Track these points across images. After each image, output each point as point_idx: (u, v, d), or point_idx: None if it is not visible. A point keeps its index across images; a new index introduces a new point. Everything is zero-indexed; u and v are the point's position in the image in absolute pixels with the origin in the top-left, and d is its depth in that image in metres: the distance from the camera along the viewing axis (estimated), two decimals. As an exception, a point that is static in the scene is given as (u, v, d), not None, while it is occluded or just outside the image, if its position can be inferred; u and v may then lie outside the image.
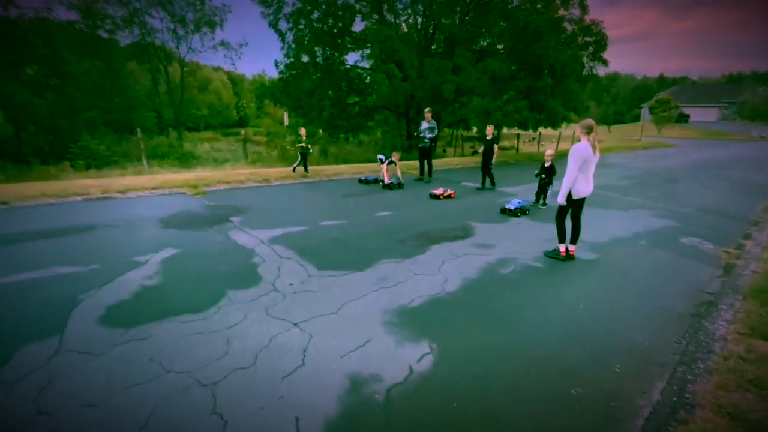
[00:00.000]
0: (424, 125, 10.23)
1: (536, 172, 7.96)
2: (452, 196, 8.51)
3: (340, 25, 19.84)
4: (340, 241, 5.35)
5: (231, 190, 8.64)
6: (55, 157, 14.93)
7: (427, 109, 10.44)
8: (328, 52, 20.27)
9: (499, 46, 19.63)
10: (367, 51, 22.03)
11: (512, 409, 2.38)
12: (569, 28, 17.34)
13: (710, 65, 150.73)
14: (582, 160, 4.36)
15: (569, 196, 4.56)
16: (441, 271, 4.39)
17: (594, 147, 4.45)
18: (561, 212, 4.76)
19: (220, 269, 4.28)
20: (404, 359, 2.78)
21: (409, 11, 20.51)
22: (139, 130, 12.32)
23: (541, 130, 22.76)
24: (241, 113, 63.96)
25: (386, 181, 9.49)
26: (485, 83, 16.79)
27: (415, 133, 10.74)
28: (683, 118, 50.80)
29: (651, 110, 41.53)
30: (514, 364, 2.81)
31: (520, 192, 9.33)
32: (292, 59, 21.46)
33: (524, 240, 5.64)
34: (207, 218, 6.29)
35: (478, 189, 9.78)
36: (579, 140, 4.54)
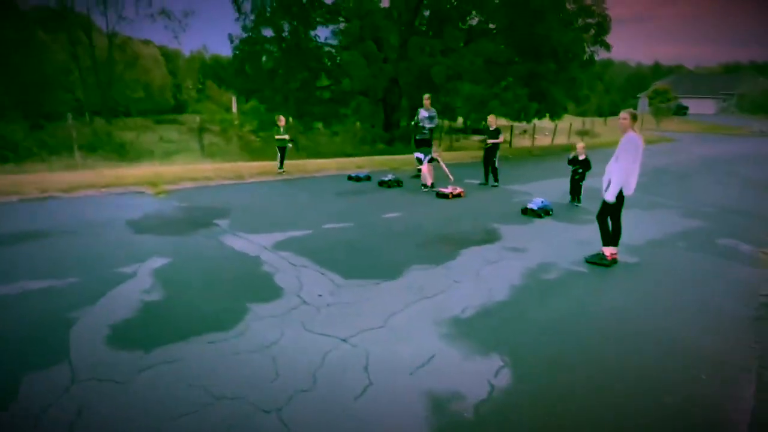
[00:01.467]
0: (423, 113, 10.45)
1: (571, 166, 8.36)
2: (461, 194, 8.77)
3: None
4: (355, 246, 5.42)
5: (199, 189, 8.47)
6: None
7: (426, 96, 10.68)
8: (295, 25, 20.12)
9: (492, 26, 20.33)
10: (340, 26, 22.04)
11: (612, 424, 2.58)
12: (569, 7, 18.21)
13: (705, 53, 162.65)
14: (637, 151, 4.70)
15: (620, 193, 4.88)
16: (481, 278, 4.58)
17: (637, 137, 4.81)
18: (607, 211, 5.08)
19: (227, 280, 4.25)
20: (479, 374, 2.92)
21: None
22: (70, 115, 11.76)
23: (535, 121, 23.71)
24: (179, 97, 61.89)
25: (429, 183, 9.31)
26: (479, 67, 17.32)
27: (413, 123, 10.96)
28: (682, 110, 54.37)
29: (650, 101, 44.13)
30: (596, 375, 3.02)
31: (530, 190, 9.73)
32: (250, 33, 21.18)
33: (556, 243, 5.95)
34: (185, 221, 6.16)
35: (481, 185, 10.14)
36: (625, 131, 4.89)
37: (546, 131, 29.02)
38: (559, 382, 2.90)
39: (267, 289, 4.05)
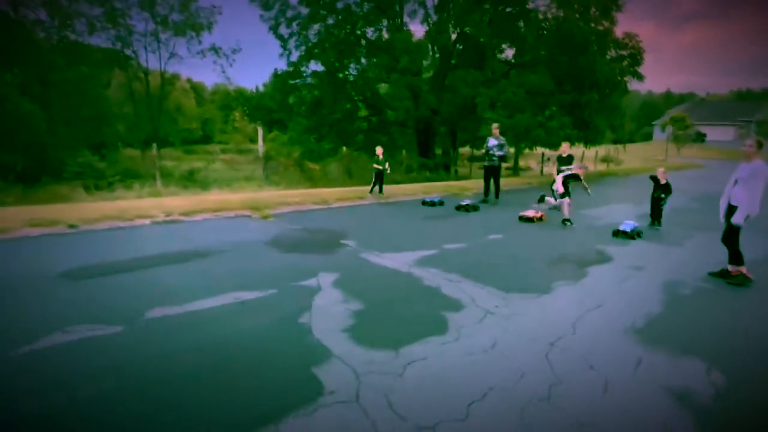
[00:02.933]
0: (493, 141, 10.96)
1: (653, 193, 8.73)
2: (543, 218, 9.14)
3: (358, 32, 20.88)
4: (487, 264, 5.78)
5: (297, 213, 8.96)
6: (30, 177, 14.70)
7: (495, 125, 11.22)
8: (342, 61, 21.12)
9: (527, 57, 21.15)
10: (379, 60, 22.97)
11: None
12: (611, 40, 18.95)
13: (715, 82, 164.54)
14: (766, 178, 5.06)
15: (747, 216, 5.22)
16: (625, 292, 4.91)
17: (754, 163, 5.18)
18: (732, 233, 5.39)
19: (404, 291, 4.63)
20: (692, 374, 3.23)
21: (430, 18, 21.67)
22: (155, 145, 12.48)
23: (543, 150, 24.12)
24: (207, 128, 63.88)
25: (565, 213, 8.63)
26: (522, 97, 17.99)
27: (483, 151, 11.48)
28: (700, 137, 54.67)
29: (672, 127, 44.56)
30: (795, 375, 3.31)
31: (599, 214, 10.06)
32: (296, 67, 22.22)
33: (667, 262, 6.26)
34: (315, 242, 6.60)
35: (551, 209, 10.50)
36: (750, 158, 5.26)
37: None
38: (763, 370, 3.20)
39: (445, 300, 4.42)
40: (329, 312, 4.01)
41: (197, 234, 6.84)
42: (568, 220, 8.66)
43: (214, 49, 27.22)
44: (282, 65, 23.66)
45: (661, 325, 4.07)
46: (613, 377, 3.13)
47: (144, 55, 26.10)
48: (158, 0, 24.86)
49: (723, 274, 5.51)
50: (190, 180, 14.50)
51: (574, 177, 8.73)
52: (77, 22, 21.63)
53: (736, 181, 5.40)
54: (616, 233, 7.82)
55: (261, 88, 79.99)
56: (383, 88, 26.25)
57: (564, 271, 5.63)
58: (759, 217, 5.41)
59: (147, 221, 7.41)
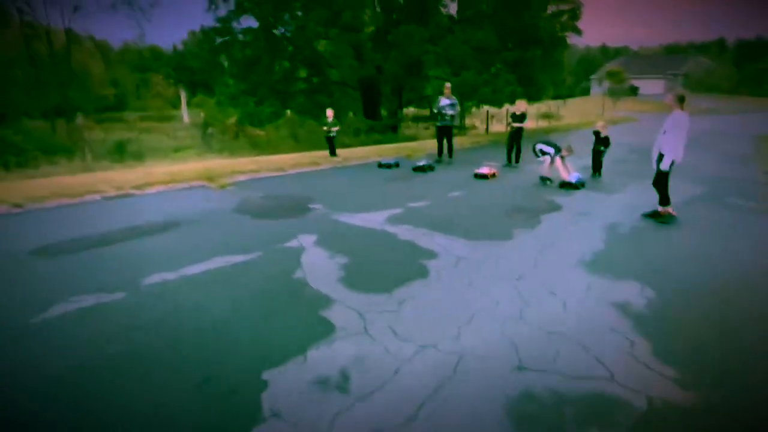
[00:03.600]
0: (445, 101, 11.63)
1: (594, 146, 9.83)
2: (496, 175, 10.06)
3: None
4: (452, 218, 6.52)
5: (254, 181, 9.22)
6: None
7: (447, 84, 11.87)
8: (278, 15, 20.57)
9: (469, 12, 21.78)
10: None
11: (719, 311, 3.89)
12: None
13: (646, 34, 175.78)
14: (686, 128, 6.11)
15: (672, 162, 6.29)
16: (574, 235, 5.85)
17: (682, 113, 6.23)
18: (663, 178, 6.48)
19: (384, 247, 5.25)
20: (631, 292, 4.16)
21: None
22: (80, 115, 11.91)
23: (487, 108, 25.42)
24: (118, 93, 59.21)
25: (567, 178, 8.85)
26: (468, 54, 18.72)
27: (435, 110, 12.11)
28: (634, 91, 58.98)
29: (608, 82, 47.63)
30: (712, 290, 4.35)
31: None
32: (225, 23, 21.38)
33: (608, 207, 7.35)
34: (284, 207, 7.02)
35: (505, 166, 11.50)
36: (671, 110, 6.29)
37: (499, 119, 30.62)
38: (684, 287, 4.21)
39: (421, 251, 5.10)
40: (319, 267, 4.56)
41: (159, 206, 6.99)
42: (548, 178, 9.22)
43: (128, 2, 25.29)
44: (208, 21, 22.41)
45: (604, 258, 5.02)
46: (569, 299, 3.98)
47: (43, 10, 23.68)
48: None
49: (654, 215, 6.64)
50: (121, 152, 13.97)
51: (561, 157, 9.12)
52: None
53: (664, 132, 6.45)
54: (563, 185, 8.88)
55: (180, 47, 75.12)
56: (322, 45, 25.93)
57: (521, 220, 6.51)
58: (685, 165, 6.53)
59: (98, 196, 7.40)
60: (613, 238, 5.76)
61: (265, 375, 2.79)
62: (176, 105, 60.65)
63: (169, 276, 4.25)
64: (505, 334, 3.35)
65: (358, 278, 4.32)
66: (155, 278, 4.19)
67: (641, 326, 3.52)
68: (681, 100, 6.25)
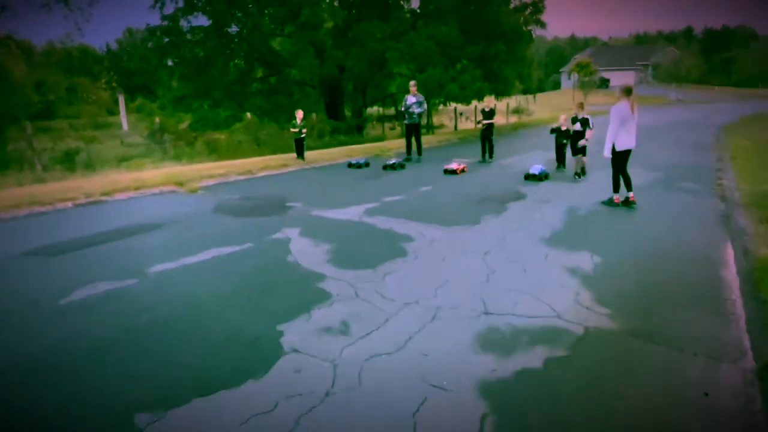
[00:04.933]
0: (411, 99, 12.78)
1: (554, 136, 11.14)
2: (465, 170, 11.24)
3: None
4: (427, 209, 7.60)
5: (224, 185, 10.06)
6: None
7: (412, 82, 13.04)
8: (234, 13, 21.31)
9: (432, 7, 23.22)
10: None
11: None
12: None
13: (616, 24, 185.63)
14: (621, 117, 7.38)
15: (614, 148, 7.56)
16: (536, 219, 7.03)
17: (632, 107, 7.52)
18: (613, 164, 7.76)
19: (368, 235, 6.25)
20: (584, 258, 5.31)
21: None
22: (28, 123, 12.37)
23: (455, 105, 26.95)
24: (44, 99, 57.83)
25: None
26: (433, 50, 20.05)
27: (401, 109, 13.25)
28: (605, 83, 62.47)
29: (578, 74, 50.37)
30: (648, 251, 5.56)
31: (514, 163, 12.51)
32: (173, 21, 21.89)
33: (567, 196, 8.61)
34: (262, 207, 7.93)
35: (479, 162, 12.72)
36: (616, 101, 7.59)
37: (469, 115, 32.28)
38: (627, 256, 5.40)
39: (400, 236, 6.12)
40: (308, 252, 5.51)
41: (135, 210, 7.76)
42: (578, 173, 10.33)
43: (64, 0, 25.33)
44: (147, 18, 22.86)
45: (561, 235, 6.20)
46: (529, 265, 5.09)
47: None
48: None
49: (609, 202, 7.90)
50: (71, 162, 14.38)
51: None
52: None
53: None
54: (528, 176, 10.14)
55: (114, 46, 73.89)
56: (278, 43, 26.75)
57: (489, 207, 7.65)
58: (647, 153, 7.75)
59: (69, 204, 8.07)
60: (570, 220, 6.97)
61: (280, 327, 3.74)
62: (112, 111, 59.91)
63: (171, 266, 5.11)
64: (474, 292, 4.42)
65: (344, 259, 5.30)
66: (159, 268, 5.04)
67: (586, 282, 4.67)
68: (626, 92, 7.53)
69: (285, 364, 3.25)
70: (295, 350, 3.41)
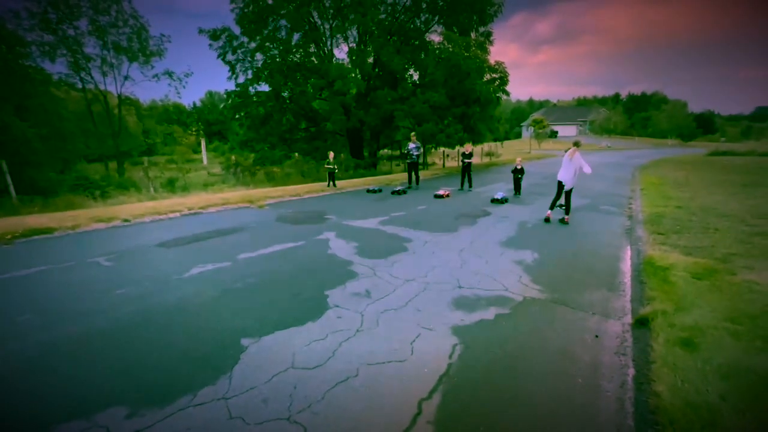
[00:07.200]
0: (412, 145, 13.43)
1: (513, 173, 11.70)
2: (449, 195, 11.79)
3: (297, 59, 22.21)
4: (421, 221, 8.13)
5: (282, 203, 10.66)
6: (27, 188, 14.25)
7: (412, 133, 13.70)
8: (289, 83, 22.32)
9: (427, 79, 24.06)
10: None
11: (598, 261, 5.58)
12: (486, 67, 22.38)
13: (563, 91, 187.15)
14: (569, 162, 7.91)
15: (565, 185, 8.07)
16: (497, 229, 7.54)
17: (570, 154, 8.02)
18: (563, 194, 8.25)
19: (383, 237, 6.80)
20: (530, 255, 5.81)
21: (354, 52, 23.65)
22: (146, 159, 13.13)
23: (443, 149, 27.60)
24: (150, 142, 59.68)
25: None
26: (427, 111, 20.80)
27: (405, 152, 13.91)
28: (554, 134, 63.07)
29: (533, 128, 51.01)
30: (573, 251, 6.05)
31: (486, 191, 13.03)
32: (243, 88, 22.93)
33: (521, 214, 9.11)
34: (307, 217, 8.50)
35: (459, 190, 13.27)
36: (572, 155, 8.11)
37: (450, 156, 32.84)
38: (557, 254, 5.89)
39: (402, 238, 6.67)
40: (342, 248, 6.07)
41: (223, 219, 8.37)
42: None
43: (168, 73, 26.66)
44: (228, 86, 24.01)
45: (514, 240, 6.71)
46: (489, 259, 5.61)
47: (101, 79, 24.87)
48: (110, 30, 23.85)
49: (561, 221, 8.37)
50: (172, 186, 15.15)
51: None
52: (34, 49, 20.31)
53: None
54: (493, 200, 10.66)
55: (198, 104, 76.43)
56: (316, 104, 27.77)
57: (464, 221, 8.18)
58: (581, 186, 8.21)
59: (177, 214, 8.72)
60: (521, 230, 7.48)
61: (326, 293, 4.30)
62: (197, 150, 61.67)
63: (252, 254, 5.70)
64: (452, 275, 4.95)
65: (366, 252, 5.85)
66: (244, 256, 5.63)
67: (527, 270, 5.18)
68: (575, 144, 8.05)
69: (331, 313, 3.81)
70: (337, 306, 3.96)
